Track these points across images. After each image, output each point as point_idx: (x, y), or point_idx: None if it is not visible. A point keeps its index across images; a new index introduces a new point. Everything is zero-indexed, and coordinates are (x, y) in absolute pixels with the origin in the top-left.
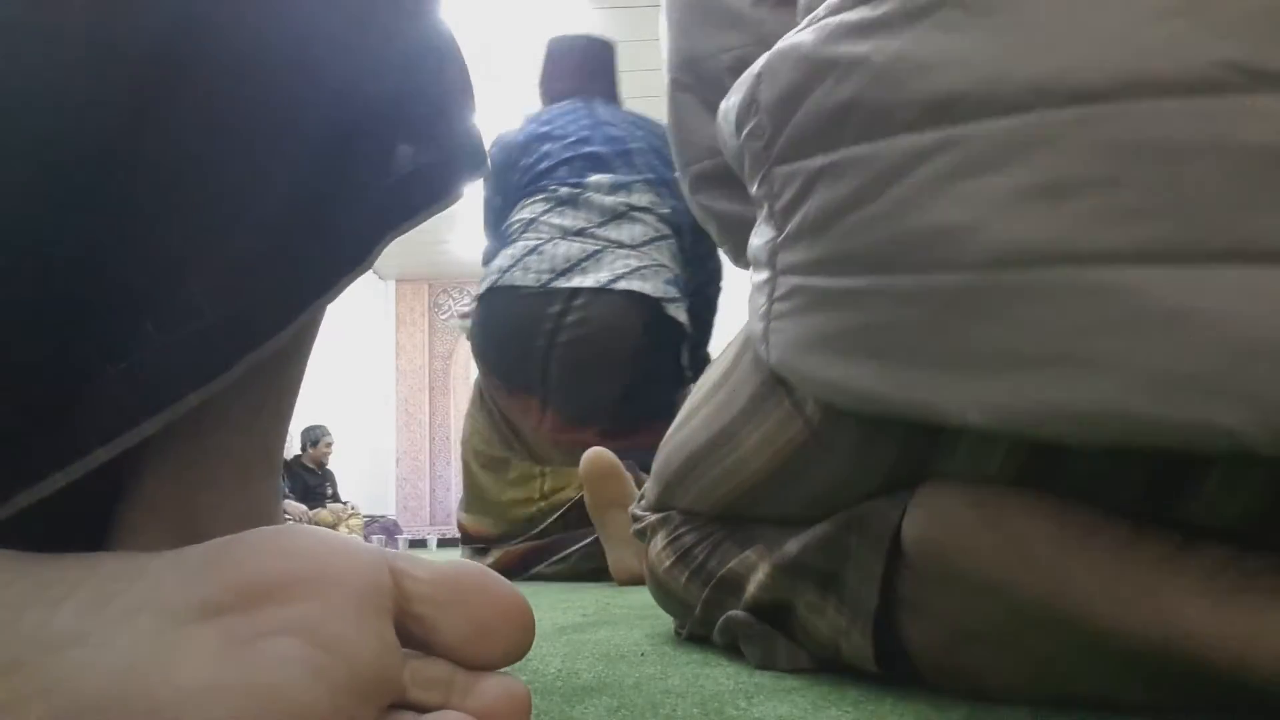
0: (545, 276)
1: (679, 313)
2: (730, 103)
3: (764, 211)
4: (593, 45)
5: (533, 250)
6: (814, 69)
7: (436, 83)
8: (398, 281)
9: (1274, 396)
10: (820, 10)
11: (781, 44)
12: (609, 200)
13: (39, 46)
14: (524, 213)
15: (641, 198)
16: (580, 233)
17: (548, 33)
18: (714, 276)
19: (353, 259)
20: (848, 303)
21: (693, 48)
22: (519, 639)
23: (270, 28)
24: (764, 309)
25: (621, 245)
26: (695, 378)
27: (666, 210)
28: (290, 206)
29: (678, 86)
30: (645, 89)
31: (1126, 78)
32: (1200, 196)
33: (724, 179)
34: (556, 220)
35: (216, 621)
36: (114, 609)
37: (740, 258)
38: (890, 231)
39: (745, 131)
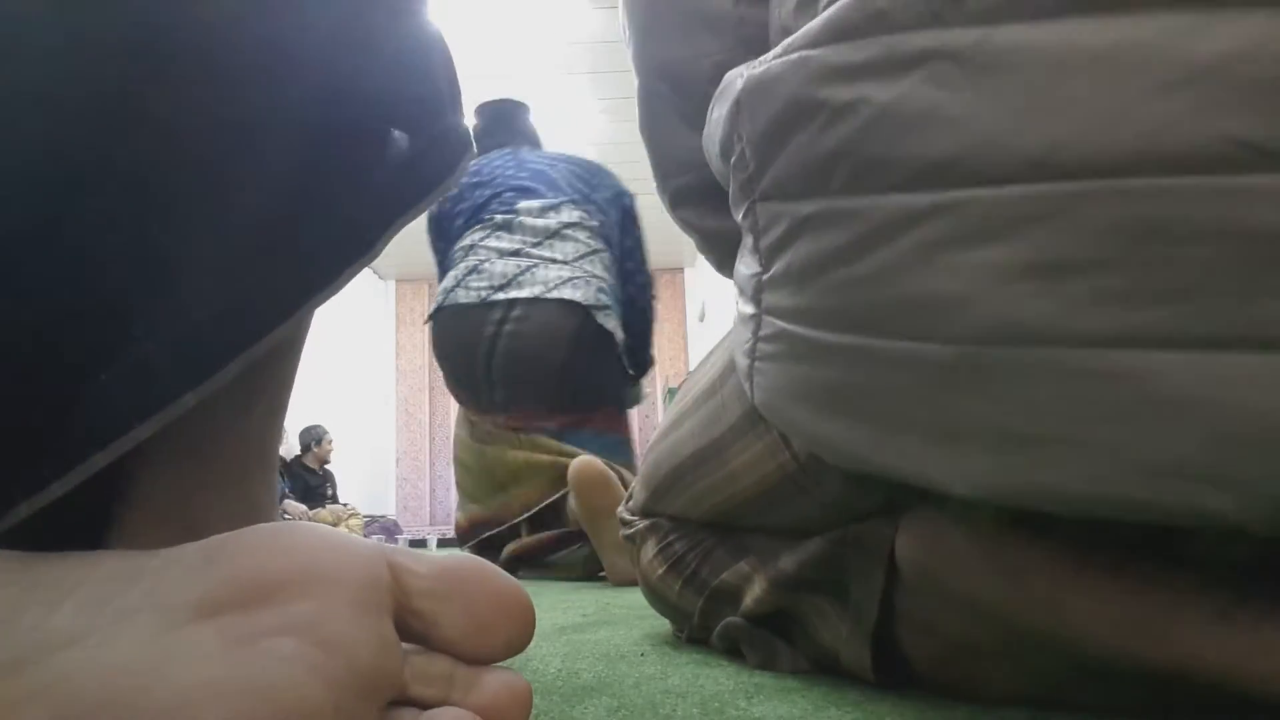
0: (485, 292)
1: (608, 320)
2: (714, 120)
3: (749, 242)
4: (513, 106)
5: (473, 270)
6: (797, 110)
7: (425, 80)
8: (398, 281)
9: (1270, 489)
10: (798, 38)
11: (760, 73)
12: (540, 222)
13: (21, 43)
14: (465, 241)
15: (570, 214)
16: (516, 253)
17: (547, 33)
18: (644, 289)
19: (353, 251)
20: (833, 359)
21: (666, 53)
22: (519, 632)
23: (261, 24)
24: (749, 346)
25: (555, 261)
26: (641, 374)
27: (595, 223)
28: (284, 199)
29: (651, 94)
30: None
31: (1129, 154)
32: (1202, 281)
33: (704, 194)
34: (494, 243)
35: (215, 620)
36: (113, 608)
37: (724, 268)
38: (878, 294)
39: (730, 161)
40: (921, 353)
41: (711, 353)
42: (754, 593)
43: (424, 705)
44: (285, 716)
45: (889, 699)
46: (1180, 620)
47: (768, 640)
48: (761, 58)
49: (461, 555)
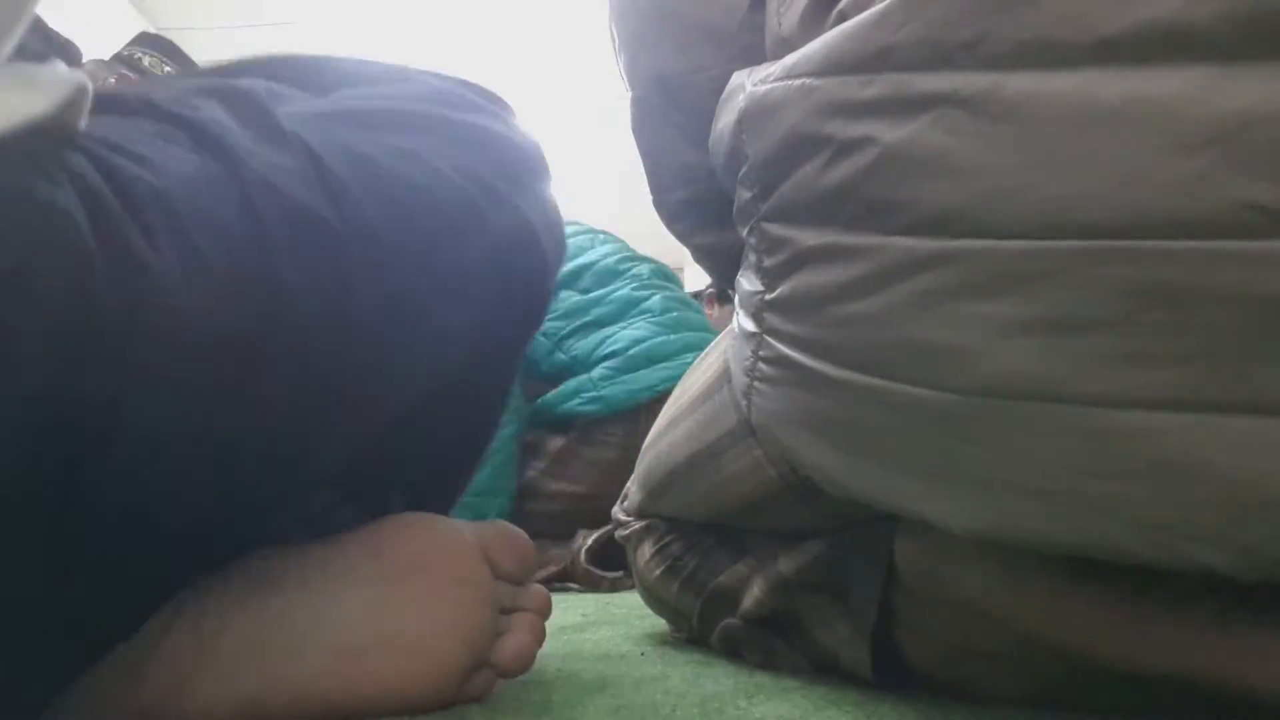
0: None
1: None
2: (719, 129)
3: (753, 259)
4: None
5: None
6: (801, 141)
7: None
8: None
9: (1270, 551)
10: (800, 63)
11: (763, 93)
12: None
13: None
14: None
15: None
16: None
17: (544, 34)
18: None
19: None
20: (832, 392)
21: (661, 65)
22: (532, 564)
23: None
24: (749, 364)
25: None
26: None
27: None
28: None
29: (645, 106)
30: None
31: (1143, 216)
32: (1209, 345)
33: (702, 208)
34: None
35: (411, 580)
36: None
37: (720, 280)
38: (880, 336)
39: (736, 176)
40: (921, 398)
41: (708, 353)
42: (753, 594)
43: (503, 611)
44: (464, 628)
45: (890, 699)
46: (1178, 623)
47: (767, 641)
48: (763, 70)
49: (496, 522)
